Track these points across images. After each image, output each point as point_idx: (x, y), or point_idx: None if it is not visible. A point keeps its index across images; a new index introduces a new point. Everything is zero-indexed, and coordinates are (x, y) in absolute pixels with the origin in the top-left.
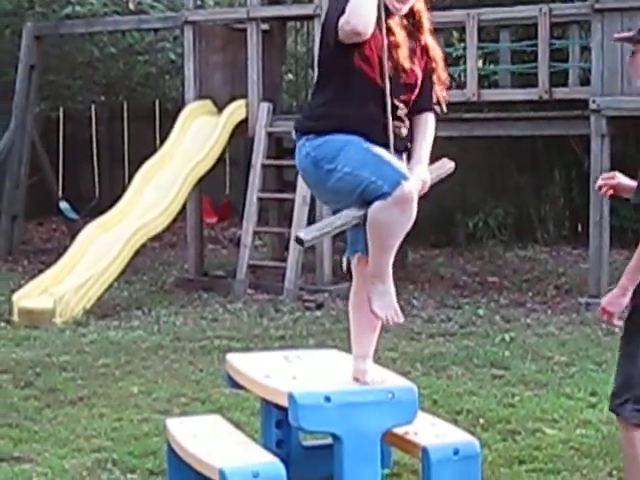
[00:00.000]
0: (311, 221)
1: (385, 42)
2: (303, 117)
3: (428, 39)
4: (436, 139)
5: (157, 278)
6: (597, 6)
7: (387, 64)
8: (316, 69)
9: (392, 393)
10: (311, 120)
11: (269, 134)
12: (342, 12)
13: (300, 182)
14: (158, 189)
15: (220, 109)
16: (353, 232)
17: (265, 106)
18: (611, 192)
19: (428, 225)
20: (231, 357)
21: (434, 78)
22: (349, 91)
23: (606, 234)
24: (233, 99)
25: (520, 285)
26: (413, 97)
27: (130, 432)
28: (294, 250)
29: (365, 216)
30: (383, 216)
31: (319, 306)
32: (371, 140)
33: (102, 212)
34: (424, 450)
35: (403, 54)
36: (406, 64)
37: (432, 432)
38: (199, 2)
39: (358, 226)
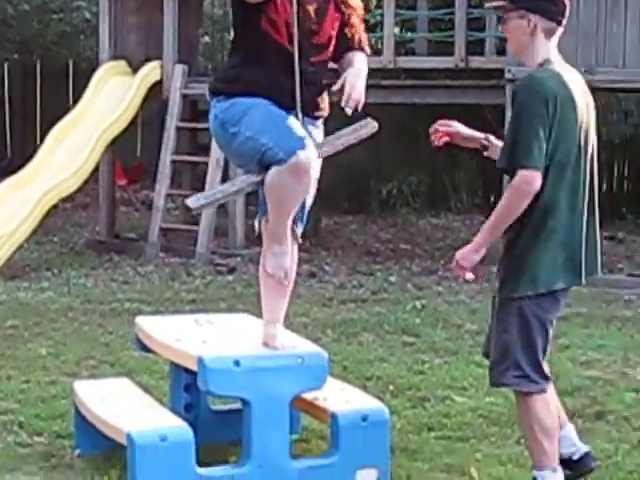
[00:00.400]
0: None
1: (295, 8)
2: (215, 79)
3: None
4: None
5: (68, 239)
6: None
7: (295, 29)
8: (232, 31)
9: (302, 358)
10: (222, 82)
11: (184, 96)
12: None
13: (214, 145)
14: (70, 149)
15: (135, 70)
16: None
17: (180, 68)
18: (446, 139)
19: (341, 192)
20: (141, 320)
21: (352, 21)
22: (257, 55)
23: None
24: (148, 60)
25: (432, 253)
26: (328, 56)
27: (37, 394)
28: (206, 214)
29: (262, 181)
30: (278, 181)
31: (231, 270)
32: (280, 105)
33: (13, 171)
34: (333, 416)
35: (310, 14)
36: (313, 25)
37: (341, 398)
38: None
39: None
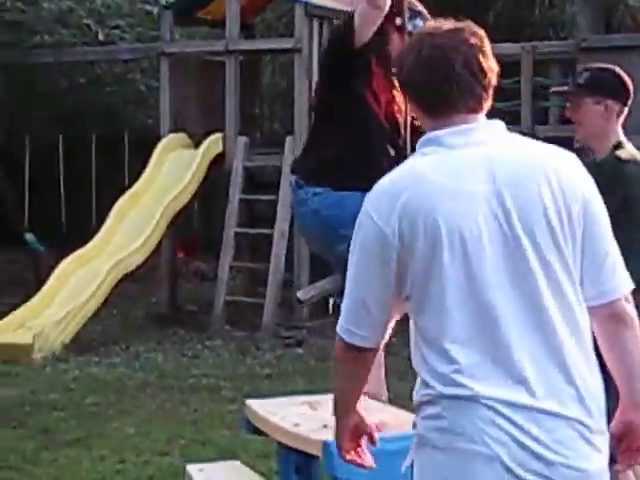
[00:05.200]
0: (289, 256)
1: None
2: (308, 162)
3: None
4: None
5: (127, 312)
6: (584, 45)
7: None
8: (317, 104)
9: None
10: (321, 171)
11: (245, 168)
12: (350, 16)
13: (279, 217)
14: (135, 224)
15: (195, 142)
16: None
17: (242, 140)
18: None
19: None
20: (252, 403)
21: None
22: (362, 137)
23: None
24: (207, 132)
25: None
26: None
27: (135, 476)
28: (272, 286)
29: None
30: None
31: (299, 343)
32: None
33: (71, 245)
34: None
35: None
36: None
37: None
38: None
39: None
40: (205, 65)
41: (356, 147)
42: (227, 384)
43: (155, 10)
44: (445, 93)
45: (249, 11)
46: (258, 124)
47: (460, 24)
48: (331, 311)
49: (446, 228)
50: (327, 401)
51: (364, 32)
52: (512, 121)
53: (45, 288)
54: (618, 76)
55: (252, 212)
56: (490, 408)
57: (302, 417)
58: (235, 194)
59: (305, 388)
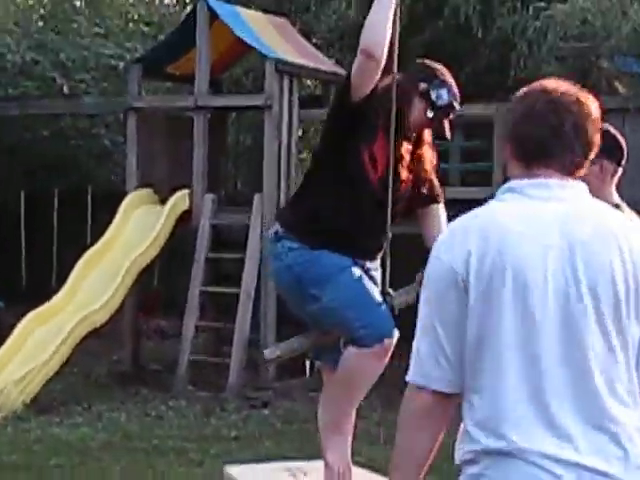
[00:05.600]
0: (255, 315)
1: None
2: (291, 216)
3: (426, 150)
4: None
5: (89, 370)
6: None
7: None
8: (314, 157)
9: None
10: (303, 226)
11: (212, 226)
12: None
13: (245, 276)
14: (99, 280)
15: (160, 198)
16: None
17: (210, 197)
18: None
19: None
20: (231, 470)
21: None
22: (350, 198)
23: None
24: (173, 189)
25: None
26: (397, 208)
27: None
28: (237, 346)
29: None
30: (358, 365)
31: (265, 404)
32: (357, 253)
33: (28, 301)
34: None
35: (405, 164)
36: (404, 174)
37: None
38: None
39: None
40: (172, 121)
41: (341, 211)
42: (193, 445)
43: (121, 65)
44: (548, 146)
45: (219, 67)
46: (224, 182)
47: (577, 89)
48: (308, 373)
49: (513, 272)
50: (310, 469)
51: (361, 84)
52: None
53: (5, 345)
54: (612, 135)
55: (218, 270)
56: (534, 464)
57: None
58: (202, 252)
59: (274, 451)
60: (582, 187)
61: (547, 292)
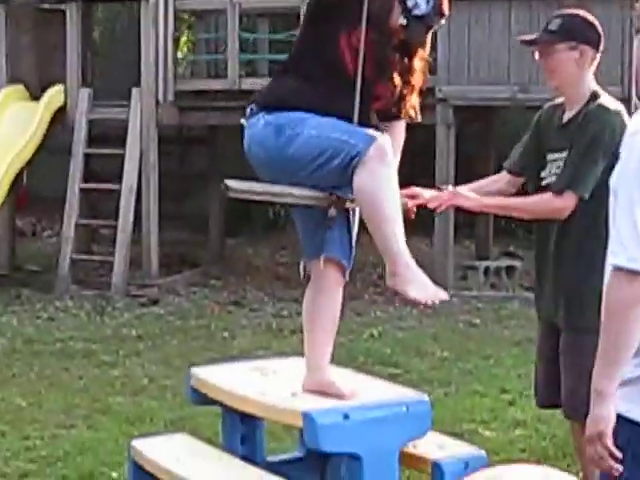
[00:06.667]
0: (138, 213)
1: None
2: (268, 93)
3: (416, 63)
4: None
5: None
6: None
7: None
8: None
9: (407, 406)
10: (278, 96)
11: (89, 121)
12: None
13: (127, 171)
14: None
15: (33, 94)
16: (307, 235)
17: (86, 92)
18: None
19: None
20: (198, 371)
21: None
22: (324, 82)
23: (451, 224)
24: (46, 84)
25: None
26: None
27: (49, 452)
28: (121, 243)
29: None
30: (369, 176)
31: (154, 302)
32: None
33: None
34: (436, 465)
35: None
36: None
37: (432, 444)
38: None
39: (319, 228)
40: (40, 13)
41: (309, 81)
42: (99, 347)
43: None
44: None
45: None
46: (95, 75)
47: None
48: (303, 276)
49: None
50: (276, 367)
51: None
52: None
53: None
54: (590, 22)
55: (86, 167)
56: None
57: (264, 386)
58: (79, 148)
59: (185, 349)
60: None
61: None
